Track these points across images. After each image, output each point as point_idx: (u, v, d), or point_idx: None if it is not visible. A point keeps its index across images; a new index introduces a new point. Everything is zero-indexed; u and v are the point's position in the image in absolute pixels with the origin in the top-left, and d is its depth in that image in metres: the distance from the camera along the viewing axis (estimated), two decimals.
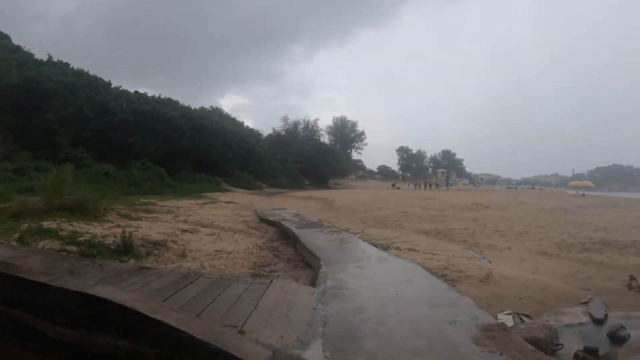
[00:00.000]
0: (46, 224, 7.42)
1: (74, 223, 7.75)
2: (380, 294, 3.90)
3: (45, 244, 6.26)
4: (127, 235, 6.25)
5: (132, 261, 5.63)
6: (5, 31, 33.17)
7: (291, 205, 19.10)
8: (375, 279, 4.58)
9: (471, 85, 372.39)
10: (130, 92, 31.88)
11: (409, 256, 6.64)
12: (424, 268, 5.49)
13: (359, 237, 8.45)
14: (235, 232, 8.82)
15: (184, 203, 15.21)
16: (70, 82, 26.37)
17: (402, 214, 15.00)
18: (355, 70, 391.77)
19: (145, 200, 14.89)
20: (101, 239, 6.48)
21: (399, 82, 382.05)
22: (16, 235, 6.55)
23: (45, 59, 30.10)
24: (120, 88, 31.66)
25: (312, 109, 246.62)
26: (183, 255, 6.11)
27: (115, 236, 6.51)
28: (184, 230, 7.97)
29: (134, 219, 9.47)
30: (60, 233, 6.75)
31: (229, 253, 6.42)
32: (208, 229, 8.89)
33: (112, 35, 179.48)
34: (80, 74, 28.95)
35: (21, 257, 4.91)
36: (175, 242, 6.85)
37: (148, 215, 10.56)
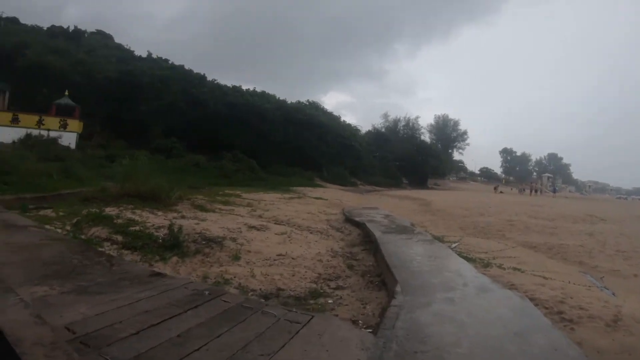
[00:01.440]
0: (108, 210, 7.12)
1: (137, 211, 7.39)
2: None
3: (95, 230, 5.73)
4: (175, 229, 5.13)
5: (174, 259, 4.64)
6: (110, 32, 36.70)
7: (385, 205, 17.55)
8: (470, 325, 2.88)
9: (579, 84, 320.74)
10: (225, 85, 32.17)
11: (514, 278, 4.91)
12: (535, 299, 3.92)
13: (454, 248, 6.88)
14: (311, 232, 7.43)
15: (270, 197, 14.59)
16: (165, 76, 27.07)
17: (507, 223, 12.62)
18: (456, 68, 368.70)
19: (230, 192, 14.52)
20: (153, 231, 5.73)
21: (501, 80, 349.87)
22: (74, 220, 6.19)
23: (145, 55, 31.95)
24: (215, 82, 32.01)
25: (414, 107, 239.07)
26: (235, 257, 4.89)
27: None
28: (250, 227, 6.88)
29: (206, 211, 8.80)
30: (116, 221, 6.26)
31: (293, 259, 5.12)
32: (281, 226, 7.67)
33: (214, 38, 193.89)
34: (175, 68, 29.74)
35: (40, 246, 4.22)
36: (234, 240, 5.73)
37: (224, 208, 9.86)
